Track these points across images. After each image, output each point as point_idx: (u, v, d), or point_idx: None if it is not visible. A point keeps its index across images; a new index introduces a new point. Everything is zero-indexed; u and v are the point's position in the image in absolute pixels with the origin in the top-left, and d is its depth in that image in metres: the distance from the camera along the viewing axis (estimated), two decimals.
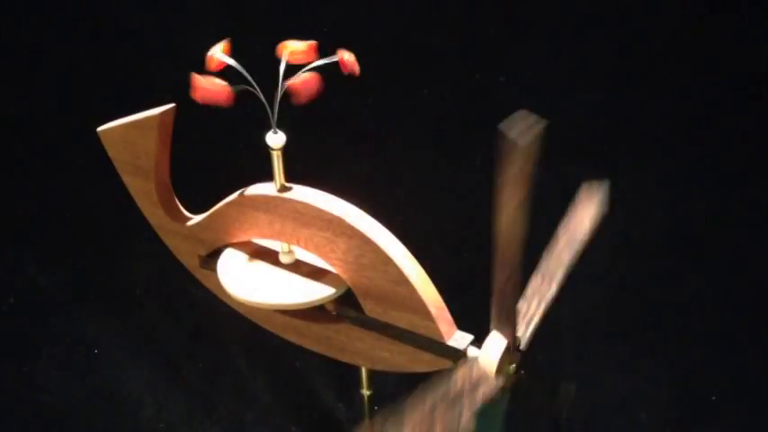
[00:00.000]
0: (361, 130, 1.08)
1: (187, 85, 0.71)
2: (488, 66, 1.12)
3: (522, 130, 0.59)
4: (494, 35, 1.10)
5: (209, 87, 0.68)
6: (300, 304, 0.76)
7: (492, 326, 0.70)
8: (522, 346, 0.71)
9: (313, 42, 0.72)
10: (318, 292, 0.76)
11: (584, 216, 0.78)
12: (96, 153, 0.82)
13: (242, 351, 1.16)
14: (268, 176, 0.77)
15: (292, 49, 0.71)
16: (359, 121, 1.09)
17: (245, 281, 0.78)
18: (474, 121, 1.13)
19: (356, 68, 0.70)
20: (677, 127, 1.07)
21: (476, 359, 0.70)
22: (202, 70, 0.71)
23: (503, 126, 0.59)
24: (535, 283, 0.74)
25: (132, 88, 1.07)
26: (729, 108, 1.09)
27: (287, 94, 0.71)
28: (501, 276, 0.65)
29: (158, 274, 1.20)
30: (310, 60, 0.71)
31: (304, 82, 0.69)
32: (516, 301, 0.68)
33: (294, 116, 0.72)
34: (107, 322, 1.21)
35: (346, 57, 0.70)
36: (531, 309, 0.72)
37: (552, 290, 0.73)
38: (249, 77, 0.70)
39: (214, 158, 1.15)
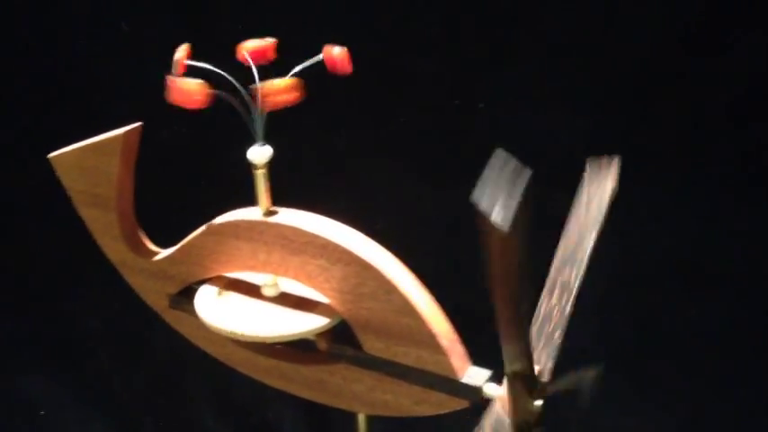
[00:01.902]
0: (335, 160, 1.01)
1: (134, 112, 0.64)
2: (468, 91, 1.06)
3: (503, 194, 0.48)
4: (473, 60, 1.05)
5: (184, 88, 0.60)
6: (289, 335, 0.67)
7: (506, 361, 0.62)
8: (546, 377, 0.63)
9: (272, 40, 0.64)
10: (309, 323, 0.67)
11: (597, 196, 0.69)
12: (41, 186, 0.73)
13: (209, 405, 1.06)
14: (244, 201, 0.69)
15: (251, 48, 0.63)
16: (332, 150, 1.02)
17: (224, 315, 0.69)
18: (454, 149, 1.06)
19: (347, 66, 0.62)
20: (668, 151, 1.02)
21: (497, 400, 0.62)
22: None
23: (477, 194, 0.47)
24: (547, 301, 0.66)
25: (76, 116, 0.98)
26: (725, 130, 1.05)
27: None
28: (503, 320, 0.57)
29: (113, 320, 1.09)
30: (267, 61, 0.63)
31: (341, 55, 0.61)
32: (526, 335, 0.60)
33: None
34: (54, 377, 1.10)
35: (336, 52, 0.62)
36: (548, 333, 0.64)
37: (571, 301, 0.65)
38: (232, 79, 0.62)
39: (180, 183, 1.06)
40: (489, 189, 0.49)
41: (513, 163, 0.49)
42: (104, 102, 1.04)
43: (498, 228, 0.47)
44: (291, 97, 0.62)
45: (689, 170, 1.01)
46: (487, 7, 1.04)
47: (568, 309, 0.65)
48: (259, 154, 0.65)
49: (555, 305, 0.65)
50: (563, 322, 0.64)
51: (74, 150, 0.72)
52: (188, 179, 1.03)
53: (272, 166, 0.66)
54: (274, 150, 0.65)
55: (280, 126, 0.66)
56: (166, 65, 0.66)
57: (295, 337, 0.67)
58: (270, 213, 0.67)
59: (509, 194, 0.48)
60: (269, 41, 0.63)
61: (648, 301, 1.02)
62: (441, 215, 1.03)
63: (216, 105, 0.62)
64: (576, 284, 0.65)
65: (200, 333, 0.75)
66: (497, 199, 0.48)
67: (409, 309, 0.63)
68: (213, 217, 0.71)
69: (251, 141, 0.65)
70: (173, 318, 0.76)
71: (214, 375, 1.06)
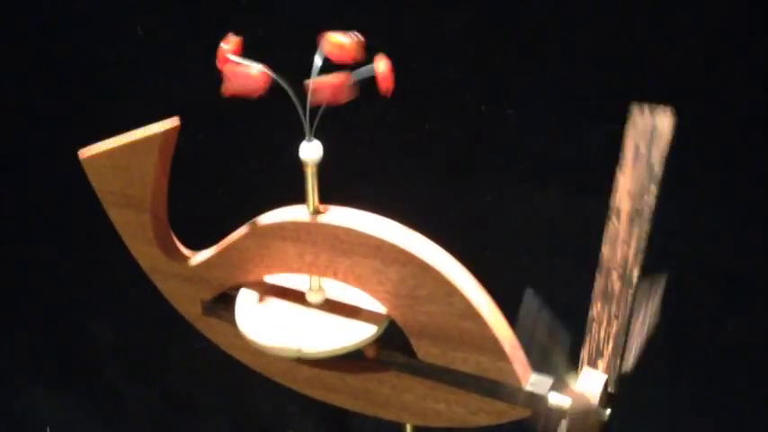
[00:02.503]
0: (360, 166, 0.98)
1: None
2: (495, 97, 1.03)
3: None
4: (500, 65, 1.03)
5: (243, 74, 0.57)
6: (337, 350, 0.63)
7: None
8: (611, 387, 0.60)
9: (360, 39, 0.61)
10: (358, 333, 0.64)
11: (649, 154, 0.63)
12: (47, 198, 0.70)
13: (225, 422, 1.02)
14: (282, 200, 0.66)
15: (336, 41, 0.60)
16: (356, 157, 0.99)
17: (265, 325, 0.65)
18: (480, 157, 1.04)
19: (390, 86, 0.59)
20: (700, 158, 1.00)
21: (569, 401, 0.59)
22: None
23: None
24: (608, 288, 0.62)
25: (89, 120, 0.95)
26: (759, 138, 1.04)
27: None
28: None
29: (125, 333, 1.05)
30: (349, 60, 0.60)
31: (334, 82, 0.58)
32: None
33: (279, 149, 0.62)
34: (62, 393, 1.06)
35: (381, 68, 0.59)
36: (616, 337, 0.61)
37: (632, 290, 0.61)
38: (277, 77, 0.59)
39: (213, 184, 1.03)
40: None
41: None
42: (121, 103, 1.00)
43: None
44: (351, 57, 0.59)
45: (724, 178, 0.99)
46: (516, 14, 1.02)
47: (628, 311, 0.62)
48: (310, 150, 0.62)
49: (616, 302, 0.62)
50: (624, 327, 0.61)
51: (107, 149, 0.69)
52: (204, 182, 1.00)
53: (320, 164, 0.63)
54: (293, 153, 0.63)
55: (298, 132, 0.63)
56: (181, 67, 0.63)
57: (347, 351, 0.63)
58: (319, 212, 0.64)
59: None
60: (356, 38, 0.60)
61: (683, 312, 0.99)
62: (467, 221, 1.00)
63: (237, 108, 0.60)
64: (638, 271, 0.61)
65: (235, 342, 0.72)
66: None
67: (471, 312, 0.60)
68: (244, 217, 0.68)
69: (271, 144, 0.62)
70: (206, 326, 0.73)
71: (230, 391, 1.03)
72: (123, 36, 1.04)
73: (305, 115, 0.60)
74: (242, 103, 0.61)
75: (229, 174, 1.00)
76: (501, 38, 1.02)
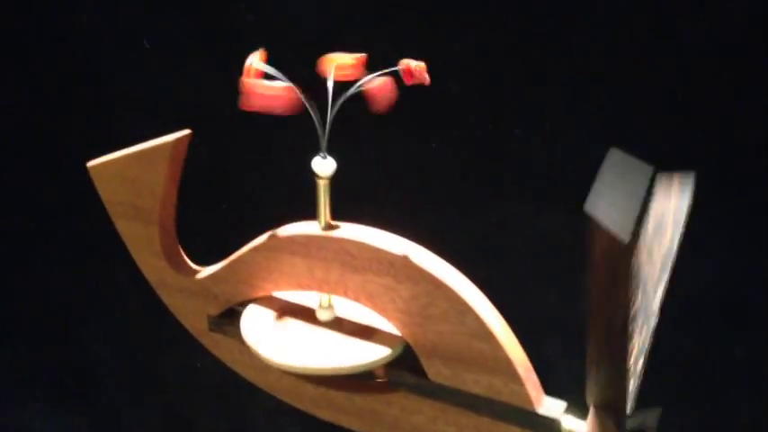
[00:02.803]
0: (363, 185, 0.97)
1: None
2: (502, 116, 1.03)
3: (619, 203, 0.45)
4: (508, 83, 1.02)
5: (266, 92, 0.56)
6: (348, 368, 0.62)
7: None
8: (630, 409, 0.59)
9: (362, 56, 0.61)
10: (370, 353, 0.62)
11: (671, 213, 0.63)
12: (48, 213, 0.69)
13: None
14: (289, 217, 0.65)
15: (339, 62, 0.60)
16: (359, 176, 0.98)
17: (273, 341, 0.64)
18: (487, 177, 1.03)
19: (426, 77, 0.59)
20: (707, 184, 1.00)
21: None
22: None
23: (592, 200, 0.44)
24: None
25: (95, 133, 0.94)
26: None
27: (338, 114, 0.60)
28: (603, 339, 0.53)
29: (123, 351, 1.04)
30: (358, 77, 0.60)
31: (381, 86, 0.58)
32: (627, 359, 0.56)
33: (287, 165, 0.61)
34: (59, 411, 1.04)
35: (414, 65, 0.59)
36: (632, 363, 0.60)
37: (651, 328, 0.60)
38: (292, 83, 0.58)
39: (218, 199, 1.02)
40: (606, 194, 0.45)
41: (632, 162, 0.46)
42: (126, 116, 1.00)
43: (617, 238, 0.44)
44: (358, 74, 0.59)
45: (731, 203, 0.98)
46: (523, 33, 1.01)
47: (648, 338, 0.61)
48: (323, 165, 0.61)
49: (634, 332, 0.61)
50: (644, 352, 0.60)
51: (116, 159, 0.68)
52: (209, 197, 0.99)
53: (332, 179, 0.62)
54: (299, 168, 0.62)
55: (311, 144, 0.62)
56: (188, 82, 0.63)
57: (357, 370, 0.62)
58: (330, 227, 0.63)
59: (628, 198, 0.45)
60: (358, 56, 0.60)
61: (690, 340, 0.98)
62: (470, 241, 0.99)
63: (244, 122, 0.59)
64: (657, 311, 0.61)
65: (240, 358, 0.70)
66: (615, 205, 0.45)
67: (484, 332, 0.59)
68: (251, 233, 0.67)
69: (280, 160, 0.62)
70: (211, 341, 0.71)
71: (230, 412, 1.01)
72: (129, 49, 1.04)
73: (323, 128, 0.60)
74: (249, 118, 0.60)
75: (235, 189, 0.99)
76: (508, 56, 1.01)
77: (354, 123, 0.61)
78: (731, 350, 0.99)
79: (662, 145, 1.05)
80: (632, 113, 1.01)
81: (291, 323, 0.65)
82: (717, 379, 0.98)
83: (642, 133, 1.00)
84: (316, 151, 0.62)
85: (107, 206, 0.70)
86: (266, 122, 0.97)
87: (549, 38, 1.00)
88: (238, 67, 0.60)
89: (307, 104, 0.57)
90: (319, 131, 0.60)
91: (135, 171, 0.67)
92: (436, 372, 0.61)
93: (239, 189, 0.96)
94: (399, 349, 0.62)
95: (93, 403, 1.04)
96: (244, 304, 0.68)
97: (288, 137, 0.94)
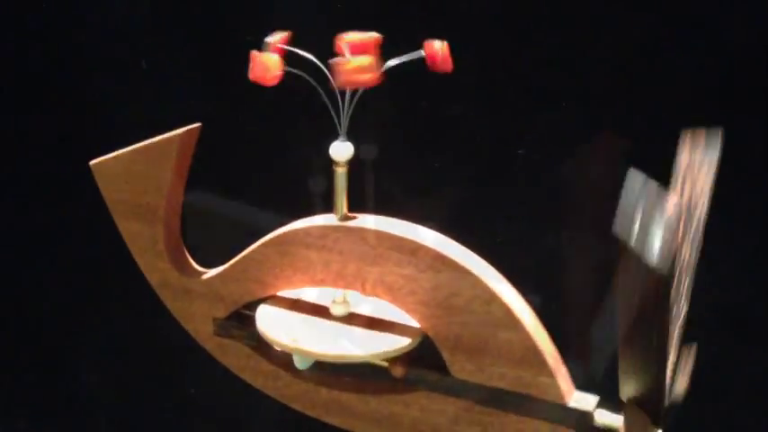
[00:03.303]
0: (366, 205, 0.95)
1: None
2: (506, 137, 1.01)
3: (650, 230, 0.44)
4: (512, 103, 1.01)
5: (263, 61, 0.55)
6: (366, 356, 0.59)
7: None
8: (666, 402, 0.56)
9: (377, 35, 0.59)
10: (389, 342, 0.59)
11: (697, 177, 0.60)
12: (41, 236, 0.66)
13: None
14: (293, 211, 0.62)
15: (352, 40, 0.58)
16: (362, 195, 0.96)
17: (289, 333, 0.61)
18: (491, 198, 1.01)
19: (449, 63, 0.57)
20: (719, 195, 0.98)
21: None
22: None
23: (622, 226, 0.44)
24: None
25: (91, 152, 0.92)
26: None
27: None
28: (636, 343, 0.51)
29: (113, 375, 1.00)
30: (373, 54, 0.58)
31: (442, 50, 0.56)
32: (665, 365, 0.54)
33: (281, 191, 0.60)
34: None
35: (437, 46, 0.57)
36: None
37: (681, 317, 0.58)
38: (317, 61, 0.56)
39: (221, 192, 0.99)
40: (637, 222, 0.44)
41: (653, 187, 0.45)
42: (123, 135, 0.97)
43: (657, 271, 0.43)
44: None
45: (735, 218, 0.97)
46: (527, 50, 1.00)
47: (681, 323, 0.58)
48: (341, 150, 0.59)
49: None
50: (677, 338, 0.58)
51: (121, 155, 0.66)
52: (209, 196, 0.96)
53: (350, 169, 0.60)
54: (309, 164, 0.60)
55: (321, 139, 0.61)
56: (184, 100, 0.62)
57: (377, 358, 0.59)
58: (347, 218, 0.60)
59: (658, 227, 0.44)
60: (372, 35, 0.58)
61: (699, 356, 0.96)
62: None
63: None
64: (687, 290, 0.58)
65: (248, 364, 0.67)
66: (649, 234, 0.43)
67: (512, 321, 0.56)
68: (256, 231, 0.64)
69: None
70: (216, 346, 0.68)
71: None
72: (126, 69, 1.02)
73: (343, 109, 0.57)
74: (253, 116, 0.59)
75: (239, 188, 0.96)
76: (513, 75, 1.00)
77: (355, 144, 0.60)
78: (737, 367, 0.97)
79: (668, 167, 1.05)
80: (637, 132, 1.01)
81: (306, 319, 0.62)
82: (726, 396, 0.95)
83: (650, 151, 0.99)
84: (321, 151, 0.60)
85: (109, 205, 0.67)
86: (272, 119, 0.95)
87: (554, 58, 0.99)
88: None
89: (303, 76, 0.56)
90: (334, 117, 0.57)
91: (140, 167, 0.65)
92: (459, 367, 0.58)
93: (243, 189, 0.93)
94: (418, 340, 0.59)
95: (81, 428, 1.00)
96: (251, 307, 0.65)
97: (297, 133, 0.92)
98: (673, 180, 0.59)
